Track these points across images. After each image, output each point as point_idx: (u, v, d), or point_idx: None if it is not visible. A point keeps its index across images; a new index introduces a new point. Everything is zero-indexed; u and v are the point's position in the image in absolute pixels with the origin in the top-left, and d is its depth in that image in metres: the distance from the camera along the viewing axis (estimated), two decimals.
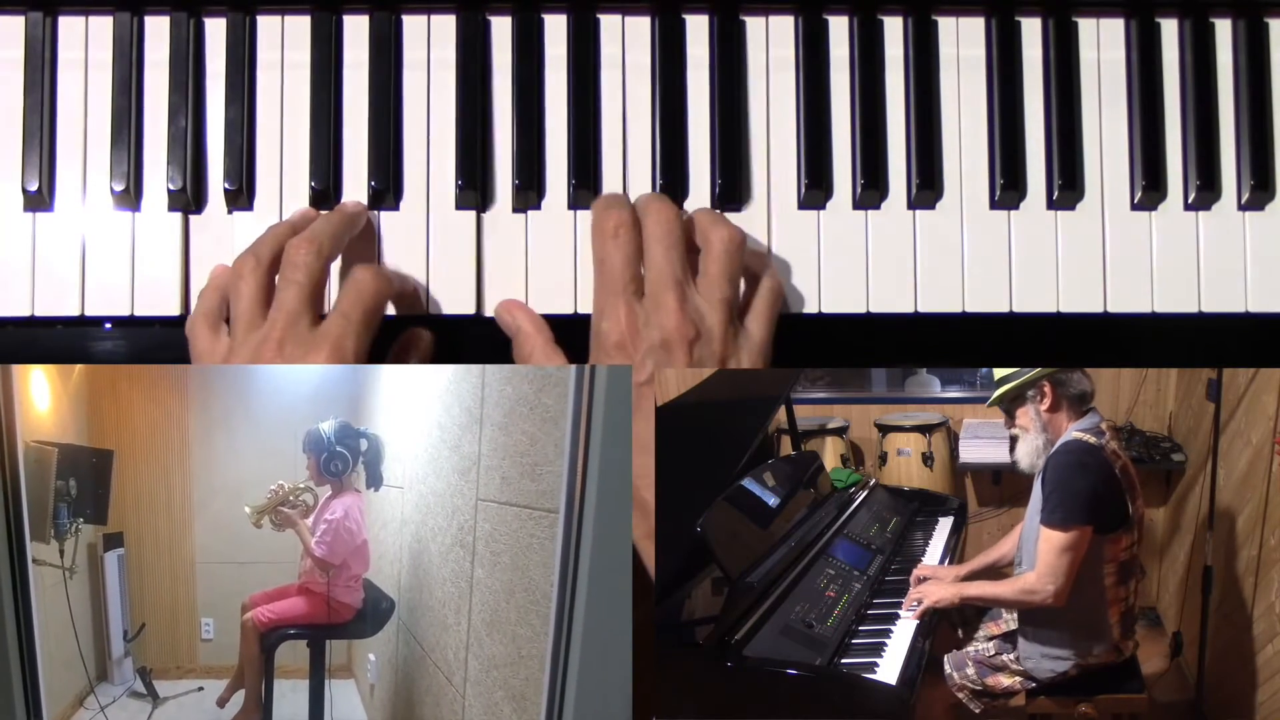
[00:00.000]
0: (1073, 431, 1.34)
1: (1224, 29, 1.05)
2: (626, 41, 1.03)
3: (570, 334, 1.00)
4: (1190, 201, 1.03)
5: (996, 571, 1.54)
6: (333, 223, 0.95)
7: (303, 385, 2.26)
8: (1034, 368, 1.35)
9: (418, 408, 1.71)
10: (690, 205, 1.01)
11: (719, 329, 0.91)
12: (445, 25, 1.02)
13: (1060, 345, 1.03)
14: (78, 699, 2.05)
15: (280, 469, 1.88)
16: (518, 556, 1.15)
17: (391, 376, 1.90)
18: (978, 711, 1.41)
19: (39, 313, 0.98)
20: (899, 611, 1.33)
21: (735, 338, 0.93)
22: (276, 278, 0.92)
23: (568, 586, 0.99)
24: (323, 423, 1.80)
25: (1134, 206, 1.03)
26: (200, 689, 2.22)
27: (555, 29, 1.02)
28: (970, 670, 1.43)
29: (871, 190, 1.02)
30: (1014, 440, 1.43)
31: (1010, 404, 1.41)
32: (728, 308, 0.92)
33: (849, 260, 1.02)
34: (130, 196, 0.99)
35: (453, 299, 1.00)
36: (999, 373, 1.41)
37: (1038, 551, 1.30)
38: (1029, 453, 1.39)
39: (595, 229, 0.94)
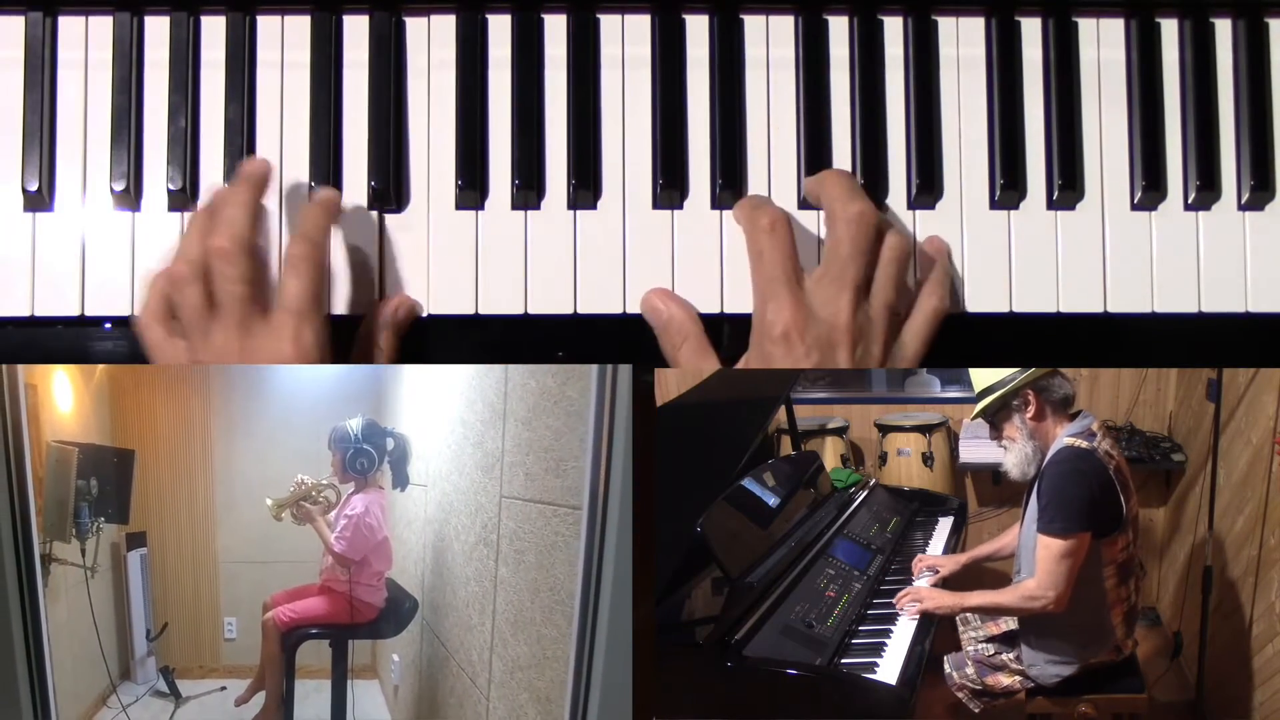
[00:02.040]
0: (1064, 437, 1.32)
1: (1224, 29, 1.05)
2: (626, 41, 1.03)
3: (570, 334, 1.01)
4: (1190, 201, 1.03)
5: (995, 576, 1.53)
6: (241, 202, 0.92)
7: (324, 384, 2.27)
8: (1013, 370, 1.34)
9: (440, 404, 1.71)
10: (689, 206, 1.01)
11: (881, 333, 0.93)
12: (445, 25, 1.02)
13: (1060, 345, 1.03)
14: (100, 698, 2.06)
15: (303, 468, 1.88)
16: (543, 555, 1.14)
17: (414, 374, 1.89)
18: (977, 711, 1.41)
19: (39, 313, 0.98)
20: (899, 611, 1.33)
21: (892, 347, 0.95)
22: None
23: (591, 585, 0.99)
24: (351, 419, 1.80)
25: (1134, 206, 1.03)
26: (223, 688, 2.24)
27: (555, 29, 1.02)
28: (970, 670, 1.42)
29: (871, 190, 1.01)
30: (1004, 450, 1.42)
31: (995, 416, 1.39)
32: (890, 314, 0.94)
33: None
34: (130, 196, 0.99)
35: (453, 299, 1.00)
36: (978, 384, 1.38)
37: (1036, 559, 1.30)
38: (1019, 462, 1.38)
39: (749, 224, 0.96)
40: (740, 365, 0.96)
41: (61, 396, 1.91)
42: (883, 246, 0.95)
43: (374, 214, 1.00)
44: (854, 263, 0.93)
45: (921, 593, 1.37)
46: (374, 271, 1.00)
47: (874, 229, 0.93)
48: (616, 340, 1.00)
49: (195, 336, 0.91)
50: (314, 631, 1.79)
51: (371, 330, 0.97)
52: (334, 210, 0.97)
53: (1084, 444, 1.30)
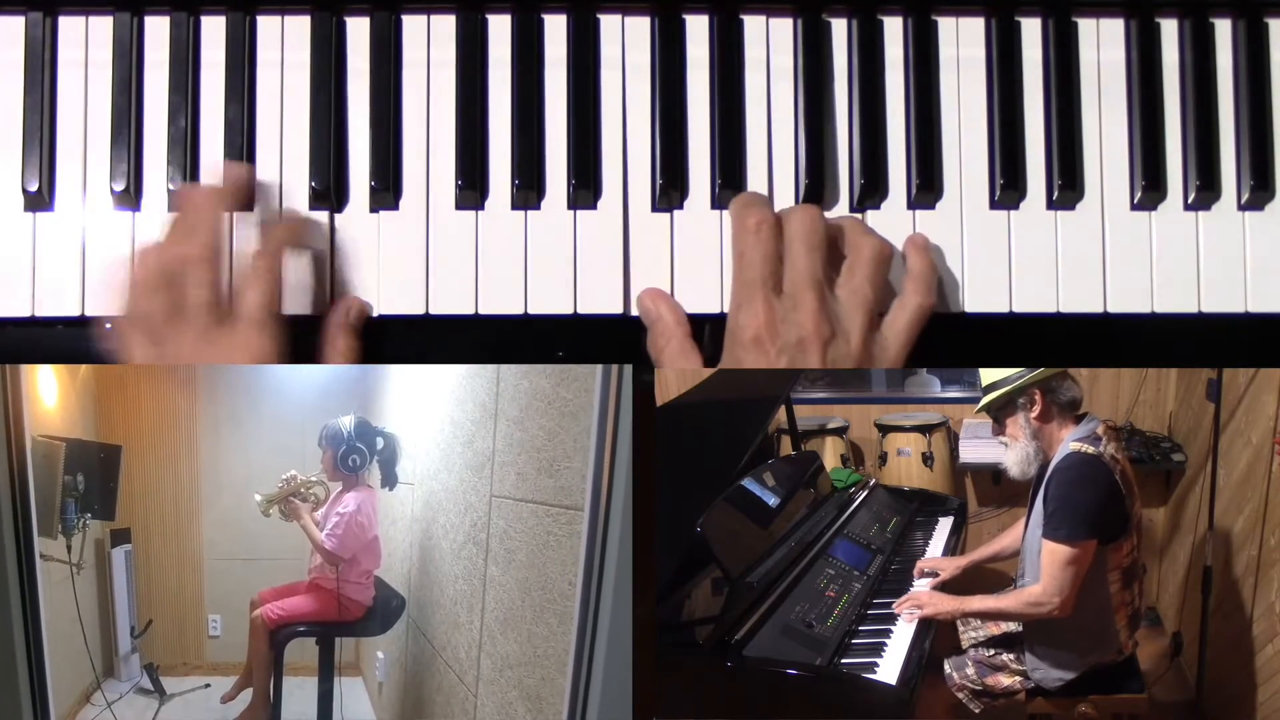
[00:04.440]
0: (1070, 442, 1.31)
1: (1224, 29, 1.05)
2: (626, 41, 1.03)
3: (569, 335, 1.01)
4: (1190, 201, 1.03)
5: (995, 577, 1.54)
6: (215, 210, 0.94)
7: (311, 382, 2.26)
8: (1022, 368, 1.34)
9: (430, 404, 1.71)
10: (689, 206, 1.01)
11: (856, 332, 0.93)
12: (445, 25, 1.02)
13: (1060, 345, 1.03)
14: (85, 694, 2.06)
15: (289, 466, 1.88)
16: (534, 554, 1.15)
17: (402, 374, 1.90)
18: (978, 711, 1.41)
19: (39, 313, 0.98)
20: (898, 615, 1.33)
21: (871, 344, 0.94)
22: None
23: (592, 585, 0.98)
24: (343, 417, 1.80)
25: (1134, 206, 1.03)
26: (207, 685, 2.23)
27: (555, 29, 1.02)
28: (970, 670, 1.42)
29: (871, 191, 1.02)
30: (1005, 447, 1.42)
31: (999, 412, 1.39)
32: (867, 312, 0.94)
33: None
34: (130, 196, 0.99)
35: (453, 299, 1.00)
36: (986, 378, 1.38)
37: (1041, 564, 1.29)
38: (1019, 460, 1.37)
39: (736, 224, 0.96)
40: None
41: (47, 392, 1.90)
42: (861, 246, 0.95)
43: (374, 214, 1.00)
44: (807, 258, 0.92)
45: (922, 598, 1.36)
46: (374, 272, 1.00)
47: (818, 222, 0.94)
48: (616, 340, 1.00)
49: (162, 343, 0.92)
50: (302, 629, 1.80)
51: (328, 333, 0.97)
52: (300, 234, 0.98)
53: (1090, 449, 1.29)
